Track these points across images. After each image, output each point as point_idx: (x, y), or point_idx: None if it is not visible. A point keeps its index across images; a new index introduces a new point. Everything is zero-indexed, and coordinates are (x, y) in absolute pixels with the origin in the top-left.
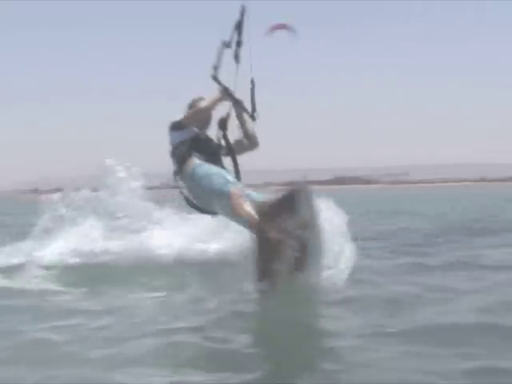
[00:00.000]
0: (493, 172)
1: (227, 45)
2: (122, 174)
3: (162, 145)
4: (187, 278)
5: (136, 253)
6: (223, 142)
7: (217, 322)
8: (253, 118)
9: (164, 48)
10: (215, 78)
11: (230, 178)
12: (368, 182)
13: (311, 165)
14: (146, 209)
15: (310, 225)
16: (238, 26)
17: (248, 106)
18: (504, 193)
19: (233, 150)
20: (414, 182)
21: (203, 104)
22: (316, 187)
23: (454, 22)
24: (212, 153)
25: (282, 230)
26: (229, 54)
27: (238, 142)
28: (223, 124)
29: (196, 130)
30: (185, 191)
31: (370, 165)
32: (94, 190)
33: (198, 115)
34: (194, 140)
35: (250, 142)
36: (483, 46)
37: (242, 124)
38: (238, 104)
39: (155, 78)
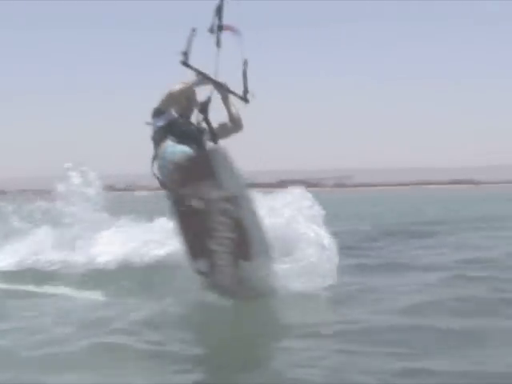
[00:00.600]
0: (433, 175)
1: (210, 30)
2: (76, 181)
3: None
4: (128, 283)
5: (81, 260)
6: (206, 127)
7: (150, 324)
8: (245, 100)
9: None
10: (185, 64)
11: None
12: (314, 184)
13: (257, 167)
14: (98, 216)
15: (237, 199)
16: (218, 11)
17: (239, 88)
18: (442, 196)
19: (215, 135)
20: (358, 186)
21: (176, 87)
22: (262, 190)
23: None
24: (193, 137)
25: (202, 198)
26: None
27: (223, 125)
28: (203, 108)
29: (175, 114)
30: (159, 176)
31: (315, 168)
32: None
33: (170, 99)
34: (171, 124)
35: (234, 124)
36: (418, 51)
37: (227, 107)
38: (220, 87)
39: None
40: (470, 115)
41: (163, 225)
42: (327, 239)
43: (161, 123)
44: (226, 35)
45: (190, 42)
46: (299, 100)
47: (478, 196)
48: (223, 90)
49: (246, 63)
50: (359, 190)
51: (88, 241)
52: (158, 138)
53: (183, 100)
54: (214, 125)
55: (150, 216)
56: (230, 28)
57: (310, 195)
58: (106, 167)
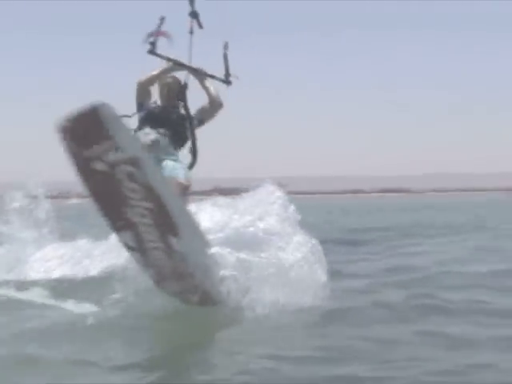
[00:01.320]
0: (367, 184)
1: (192, 15)
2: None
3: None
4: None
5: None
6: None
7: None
8: (227, 82)
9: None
10: (153, 52)
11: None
12: (247, 192)
13: (192, 174)
14: (26, 234)
15: (139, 161)
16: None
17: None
18: (376, 204)
19: (192, 120)
20: (293, 193)
21: (142, 77)
22: (197, 197)
23: None
24: (174, 124)
25: (103, 160)
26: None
27: (203, 108)
28: (181, 94)
29: (153, 104)
30: None
31: (250, 175)
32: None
33: (140, 89)
34: (148, 116)
35: (213, 104)
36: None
37: (205, 89)
38: (195, 72)
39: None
40: (405, 125)
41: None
42: (311, 243)
43: (140, 117)
44: (161, 41)
45: (157, 31)
46: (233, 107)
47: (410, 204)
48: (198, 74)
49: (226, 46)
50: (294, 197)
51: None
52: (138, 130)
53: (164, 90)
54: (195, 110)
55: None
56: (163, 34)
57: (281, 194)
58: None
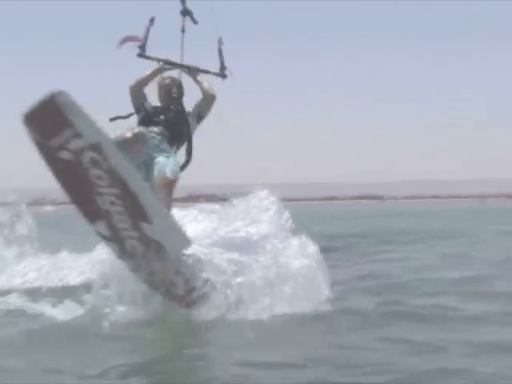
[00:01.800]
0: (341, 191)
1: (183, 13)
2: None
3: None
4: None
5: None
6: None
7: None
8: (223, 75)
9: None
10: (142, 56)
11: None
12: (223, 199)
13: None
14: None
15: (101, 147)
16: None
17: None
18: (349, 211)
19: (187, 119)
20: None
21: (132, 81)
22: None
23: None
24: (170, 124)
25: (67, 149)
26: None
27: (199, 103)
28: (171, 100)
29: (148, 106)
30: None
31: (224, 182)
32: None
33: (132, 93)
34: (145, 117)
35: (207, 97)
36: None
37: (198, 85)
38: (188, 69)
39: None
40: (380, 132)
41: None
42: (312, 248)
43: (140, 116)
44: (132, 46)
45: (147, 33)
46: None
47: (385, 211)
48: (191, 71)
49: (220, 41)
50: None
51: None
52: None
53: (162, 91)
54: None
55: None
56: (136, 39)
57: (275, 199)
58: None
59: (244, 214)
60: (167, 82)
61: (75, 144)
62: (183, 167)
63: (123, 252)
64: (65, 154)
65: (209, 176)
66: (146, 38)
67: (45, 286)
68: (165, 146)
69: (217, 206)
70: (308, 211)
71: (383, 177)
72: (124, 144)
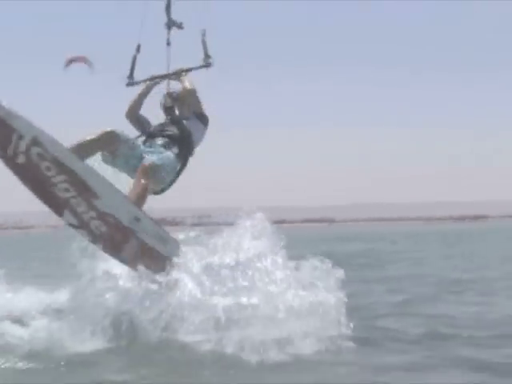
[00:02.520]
0: (290, 214)
1: (168, 26)
2: None
3: None
4: None
5: None
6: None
7: None
8: (208, 65)
9: None
10: (131, 84)
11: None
12: (173, 223)
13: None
14: None
15: (38, 139)
16: (167, 9)
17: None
18: (296, 235)
19: (179, 121)
20: (217, 224)
21: (126, 109)
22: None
23: None
24: (169, 135)
25: (18, 153)
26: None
27: (188, 103)
28: (167, 111)
29: (152, 129)
30: None
31: (175, 206)
32: None
33: (130, 121)
34: (148, 135)
35: (190, 94)
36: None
37: (182, 85)
38: (175, 75)
39: None
40: (330, 155)
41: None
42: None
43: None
44: (78, 66)
45: (134, 61)
46: None
47: (333, 234)
48: (177, 75)
49: (204, 33)
50: (218, 228)
51: None
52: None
53: (162, 109)
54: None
55: None
56: (81, 59)
57: (267, 224)
58: None
59: (238, 243)
60: (162, 100)
61: (22, 145)
62: (180, 170)
63: (92, 236)
64: (21, 159)
65: (159, 200)
66: (133, 66)
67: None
68: (159, 148)
69: (192, 233)
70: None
71: (333, 200)
72: (91, 145)
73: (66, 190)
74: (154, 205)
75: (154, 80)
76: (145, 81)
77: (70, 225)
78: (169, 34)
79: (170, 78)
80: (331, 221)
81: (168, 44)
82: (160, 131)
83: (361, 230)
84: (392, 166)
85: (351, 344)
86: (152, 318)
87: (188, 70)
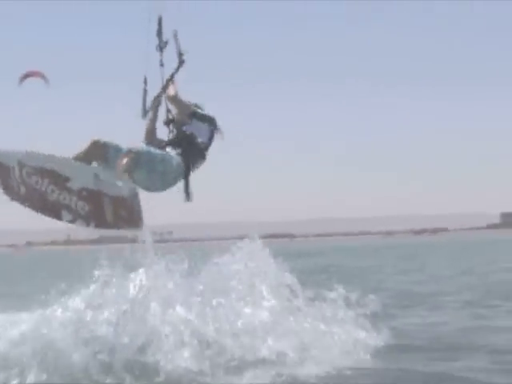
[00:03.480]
0: (251, 229)
1: (159, 48)
2: None
3: None
4: None
5: None
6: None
7: None
8: (181, 63)
9: None
10: (146, 115)
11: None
12: (132, 240)
13: (39, 226)
14: None
15: (23, 162)
16: (159, 34)
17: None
18: None
19: (180, 131)
20: (179, 241)
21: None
22: (80, 247)
23: None
24: (170, 140)
25: (18, 183)
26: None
27: (175, 113)
28: (168, 123)
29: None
30: None
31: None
32: None
33: (149, 142)
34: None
35: (169, 101)
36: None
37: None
38: (162, 90)
39: None
40: (289, 170)
41: None
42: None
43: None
44: (33, 80)
45: (144, 94)
46: None
47: (293, 249)
48: (164, 90)
49: (175, 34)
50: (180, 245)
51: None
52: None
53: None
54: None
55: None
56: (35, 74)
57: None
58: None
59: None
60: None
61: (17, 174)
62: (186, 171)
63: (85, 219)
64: (22, 189)
65: None
66: (144, 99)
67: None
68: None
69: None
70: (215, 250)
71: (293, 215)
72: (87, 155)
73: (53, 191)
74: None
75: (157, 102)
76: (152, 107)
77: (69, 222)
78: (161, 55)
79: (164, 96)
80: (292, 236)
81: (161, 65)
82: (167, 144)
83: (322, 245)
84: (351, 179)
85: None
86: (126, 343)
87: (171, 78)
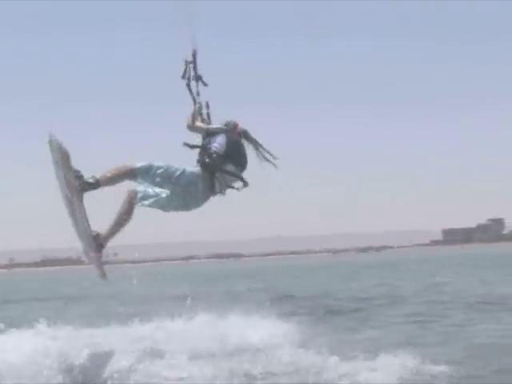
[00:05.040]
0: (199, 250)
1: (196, 79)
2: None
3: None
4: None
5: None
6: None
7: None
8: (203, 84)
9: None
10: (188, 145)
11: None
12: (78, 262)
13: (17, 245)
14: None
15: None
16: (194, 67)
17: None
18: (207, 270)
19: (201, 147)
20: (123, 262)
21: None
22: (23, 269)
23: None
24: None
25: (68, 198)
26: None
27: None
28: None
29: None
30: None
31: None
32: None
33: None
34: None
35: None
36: None
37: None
38: (198, 105)
39: None
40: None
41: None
42: None
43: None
44: None
45: (195, 115)
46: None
47: (242, 270)
48: (195, 104)
49: (194, 54)
50: (124, 266)
51: None
52: None
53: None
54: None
55: None
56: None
57: None
58: None
59: None
60: None
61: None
62: (211, 184)
63: (87, 246)
64: (74, 200)
65: (64, 239)
66: (194, 116)
67: None
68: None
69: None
70: (165, 272)
71: (241, 234)
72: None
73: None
74: (62, 245)
75: (197, 114)
76: (204, 127)
77: (88, 251)
78: (197, 86)
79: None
80: (239, 256)
81: (197, 95)
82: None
83: (269, 264)
84: (299, 199)
85: None
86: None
87: (190, 92)
